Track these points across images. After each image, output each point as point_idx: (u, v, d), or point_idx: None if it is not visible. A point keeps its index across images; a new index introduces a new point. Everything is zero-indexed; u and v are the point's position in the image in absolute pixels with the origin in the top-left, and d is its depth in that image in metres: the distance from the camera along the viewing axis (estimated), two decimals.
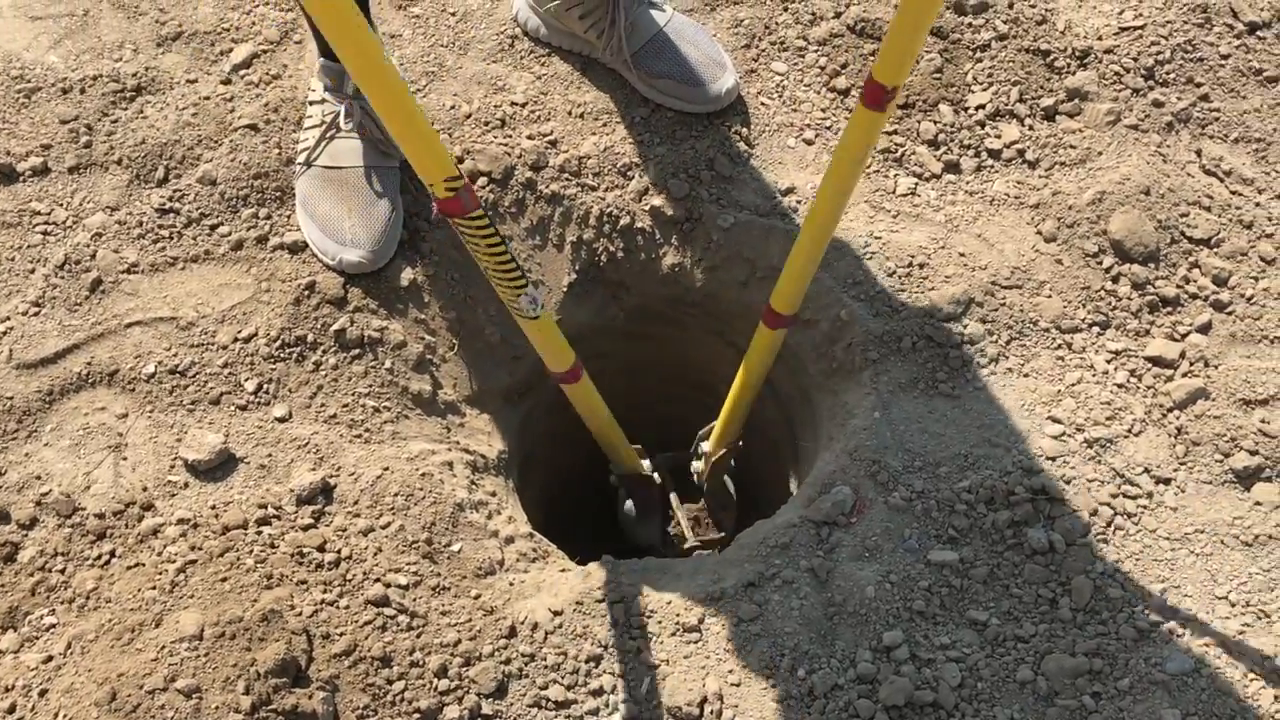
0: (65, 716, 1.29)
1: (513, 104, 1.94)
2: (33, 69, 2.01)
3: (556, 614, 1.52)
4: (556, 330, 1.55)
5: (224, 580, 1.44)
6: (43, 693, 1.35)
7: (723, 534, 2.00)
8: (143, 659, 1.33)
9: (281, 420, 1.66)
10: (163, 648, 1.34)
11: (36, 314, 1.74)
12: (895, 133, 1.94)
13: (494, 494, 1.71)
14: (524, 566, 1.61)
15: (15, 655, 1.40)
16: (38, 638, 1.43)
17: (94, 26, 2.07)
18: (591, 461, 2.05)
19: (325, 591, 1.45)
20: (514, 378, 1.85)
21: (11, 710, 1.35)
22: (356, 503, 1.57)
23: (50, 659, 1.38)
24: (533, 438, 1.94)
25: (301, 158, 1.80)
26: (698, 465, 2.03)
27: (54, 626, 1.43)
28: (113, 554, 1.51)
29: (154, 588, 1.43)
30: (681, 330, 2.01)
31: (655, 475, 1.99)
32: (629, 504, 2.00)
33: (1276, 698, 1.44)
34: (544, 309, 1.49)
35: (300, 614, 1.41)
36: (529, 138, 1.90)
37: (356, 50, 1.13)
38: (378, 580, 1.48)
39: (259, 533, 1.51)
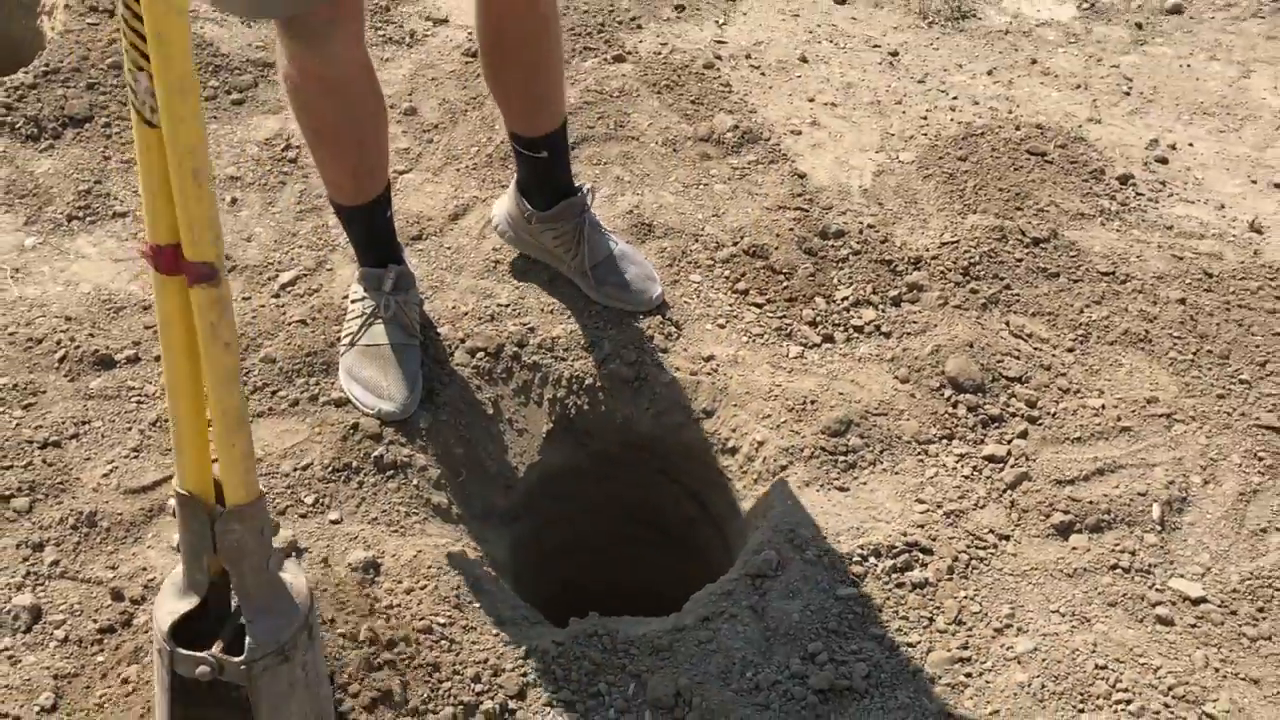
0: None
1: (499, 305, 2.57)
2: (118, 294, 2.59)
3: (559, 644, 1.97)
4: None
5: None
6: None
7: None
8: None
9: (335, 522, 2.14)
10: None
11: (136, 457, 2.22)
12: (785, 316, 2.61)
13: (499, 582, 2.18)
14: (528, 625, 2.07)
15: (142, 667, 1.81)
16: None
17: None
18: (568, 590, 2.52)
19: (385, 622, 1.90)
20: (508, 502, 2.37)
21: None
22: (399, 572, 2.04)
23: None
24: (524, 557, 2.42)
25: (346, 340, 2.38)
26: None
27: None
28: None
29: None
30: (635, 472, 2.55)
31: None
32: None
33: (1097, 666, 1.95)
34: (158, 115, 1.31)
35: (370, 629, 1.85)
36: (513, 326, 2.51)
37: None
38: (422, 619, 1.94)
39: (324, 590, 1.96)
